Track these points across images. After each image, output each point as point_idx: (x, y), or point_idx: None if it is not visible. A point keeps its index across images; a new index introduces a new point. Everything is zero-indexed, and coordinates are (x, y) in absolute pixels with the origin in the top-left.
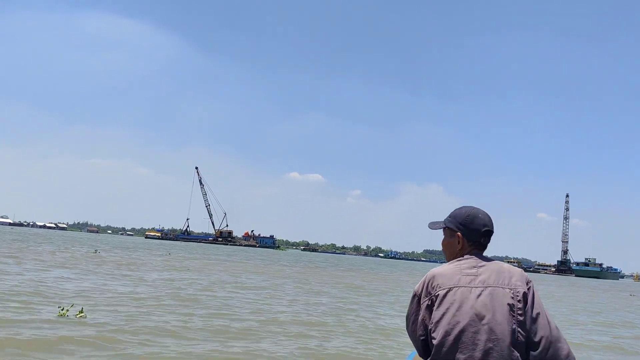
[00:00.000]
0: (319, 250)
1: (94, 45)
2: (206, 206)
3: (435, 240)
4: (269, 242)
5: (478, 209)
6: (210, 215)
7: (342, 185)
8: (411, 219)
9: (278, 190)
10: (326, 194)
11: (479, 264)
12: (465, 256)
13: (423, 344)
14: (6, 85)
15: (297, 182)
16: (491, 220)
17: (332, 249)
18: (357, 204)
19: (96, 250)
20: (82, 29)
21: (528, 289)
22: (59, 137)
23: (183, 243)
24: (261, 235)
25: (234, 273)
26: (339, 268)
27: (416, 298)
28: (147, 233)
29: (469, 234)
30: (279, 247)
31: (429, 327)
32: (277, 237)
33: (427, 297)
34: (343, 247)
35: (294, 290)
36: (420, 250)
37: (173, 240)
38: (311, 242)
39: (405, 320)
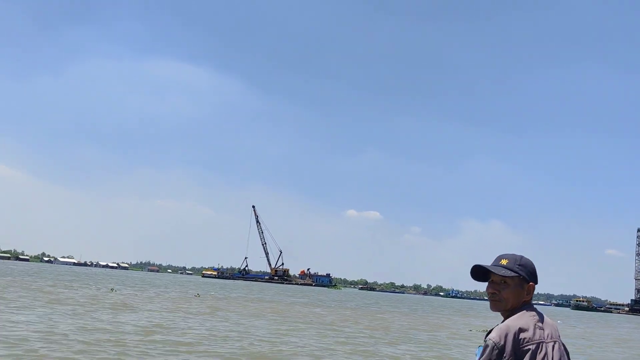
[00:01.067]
0: (377, 289)
1: (159, 90)
2: (262, 244)
3: None
4: (325, 281)
5: None
6: (267, 254)
7: (400, 222)
8: (473, 256)
9: (335, 228)
10: (384, 232)
11: (541, 317)
12: (527, 308)
13: None
14: (79, 129)
15: (355, 219)
16: None
17: (391, 288)
18: (417, 241)
19: (112, 289)
20: (148, 75)
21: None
22: (125, 178)
23: (237, 282)
24: (317, 274)
25: (247, 314)
26: (384, 308)
27: (496, 350)
28: (203, 272)
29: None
30: (335, 285)
31: None
32: (335, 275)
33: (513, 351)
34: (402, 286)
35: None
36: (483, 289)
37: (229, 279)
38: (370, 280)
39: None
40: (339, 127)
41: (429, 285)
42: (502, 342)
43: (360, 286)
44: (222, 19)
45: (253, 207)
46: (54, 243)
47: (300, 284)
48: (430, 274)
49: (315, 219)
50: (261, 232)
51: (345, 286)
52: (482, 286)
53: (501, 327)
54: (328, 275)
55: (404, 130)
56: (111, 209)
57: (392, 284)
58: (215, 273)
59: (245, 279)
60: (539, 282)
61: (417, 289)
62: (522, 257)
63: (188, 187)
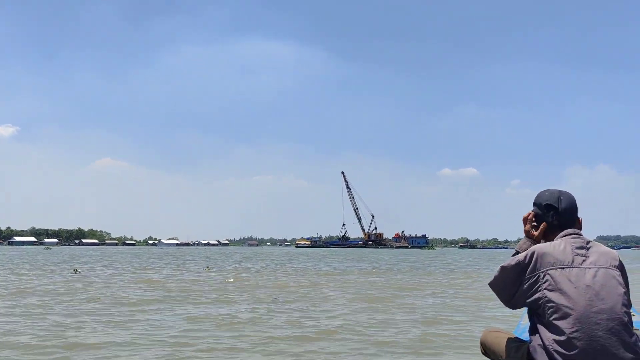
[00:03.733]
0: (479, 246)
1: (247, 70)
2: (354, 210)
3: (608, 226)
4: (421, 242)
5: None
6: (359, 219)
7: (499, 176)
8: (581, 204)
9: (430, 188)
10: (482, 188)
11: (587, 244)
12: (570, 234)
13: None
14: (175, 116)
15: (450, 178)
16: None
17: (494, 244)
18: (518, 194)
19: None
20: (235, 57)
21: (624, 270)
22: (222, 159)
23: (325, 250)
24: (412, 236)
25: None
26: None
27: (519, 267)
28: (297, 242)
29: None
30: (431, 246)
31: (542, 304)
32: (433, 236)
33: (536, 271)
34: (506, 241)
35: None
36: (593, 237)
37: (322, 247)
38: (471, 238)
39: (494, 286)
40: (429, 85)
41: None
42: (526, 261)
43: (460, 245)
44: None
45: (342, 173)
46: (159, 227)
47: (395, 247)
48: None
49: (409, 181)
50: (352, 198)
51: (445, 246)
52: (591, 234)
53: (531, 248)
54: (424, 236)
55: (499, 79)
56: (212, 190)
57: (495, 240)
58: (309, 242)
59: (340, 246)
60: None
61: None
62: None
63: (283, 162)
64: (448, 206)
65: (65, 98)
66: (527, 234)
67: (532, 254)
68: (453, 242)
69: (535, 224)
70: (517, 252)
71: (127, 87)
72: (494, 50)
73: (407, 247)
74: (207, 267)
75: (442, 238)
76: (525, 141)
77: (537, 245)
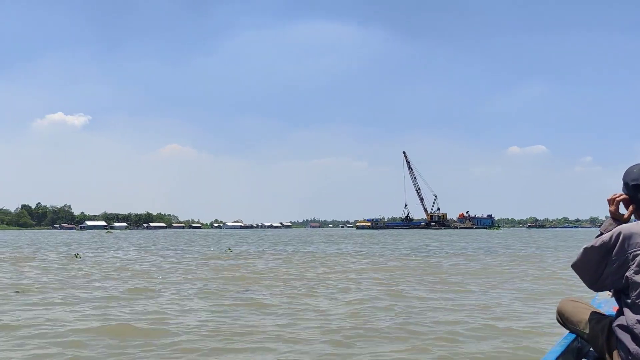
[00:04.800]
0: (548, 225)
1: (307, 52)
2: (416, 190)
3: None
4: (487, 222)
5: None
6: (421, 199)
7: (569, 153)
8: None
9: (497, 167)
10: (551, 166)
11: None
12: None
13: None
14: (238, 101)
15: (518, 156)
16: None
17: (564, 223)
18: (589, 172)
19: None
20: (295, 39)
21: None
22: (285, 142)
23: (388, 231)
24: (477, 216)
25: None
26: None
27: (604, 248)
28: (357, 224)
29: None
30: (497, 226)
31: (628, 286)
32: (500, 216)
33: (621, 253)
34: (577, 220)
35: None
36: None
37: (383, 228)
38: (540, 217)
39: (578, 268)
40: (493, 61)
41: (607, 217)
42: (611, 242)
43: (528, 224)
44: None
45: (404, 153)
46: (225, 210)
47: (460, 228)
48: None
49: (475, 161)
50: (414, 178)
51: (514, 226)
52: None
53: (617, 228)
54: (489, 216)
55: (567, 52)
56: (275, 173)
57: (565, 219)
58: (369, 224)
59: (402, 227)
60: None
61: (593, 222)
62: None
63: (345, 143)
64: (516, 185)
65: (132, 86)
66: (613, 214)
67: (618, 234)
68: (521, 222)
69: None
70: (601, 234)
71: (190, 74)
72: (560, 22)
73: (471, 228)
74: (229, 248)
75: (510, 218)
76: (596, 116)
77: (623, 225)
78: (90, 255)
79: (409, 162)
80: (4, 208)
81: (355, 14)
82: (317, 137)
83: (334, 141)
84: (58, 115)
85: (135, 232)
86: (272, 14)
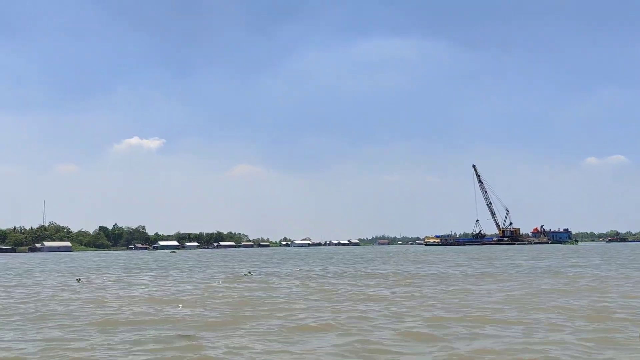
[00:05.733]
0: (630, 239)
1: (370, 69)
2: (487, 205)
3: None
4: (564, 237)
5: None
6: (493, 214)
7: None
8: None
9: (573, 179)
10: (633, 176)
11: None
12: None
13: None
14: (302, 120)
15: (595, 167)
16: None
17: None
18: None
19: (78, 279)
20: (358, 57)
21: None
22: (351, 159)
23: (458, 247)
24: (553, 230)
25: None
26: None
27: None
28: (426, 240)
29: None
30: (574, 240)
31: None
32: (578, 230)
33: None
34: None
35: None
36: None
37: (452, 245)
38: (622, 231)
39: None
40: (563, 69)
41: None
42: None
43: (609, 238)
44: None
45: (473, 166)
46: (294, 228)
47: (534, 243)
48: None
49: (549, 173)
50: (484, 192)
51: (592, 240)
52: None
53: None
54: (566, 230)
55: None
56: (342, 190)
57: None
58: (438, 240)
59: (472, 244)
60: None
61: None
62: None
63: (411, 159)
64: (594, 197)
65: (203, 109)
66: None
67: None
68: (600, 236)
69: None
70: None
71: (257, 95)
72: (634, 25)
73: (547, 243)
74: (249, 272)
75: (589, 232)
76: None
77: None
78: (98, 280)
79: (479, 176)
80: (82, 230)
81: (418, 29)
82: (384, 153)
83: (402, 157)
84: (134, 140)
85: (201, 252)
86: (335, 32)
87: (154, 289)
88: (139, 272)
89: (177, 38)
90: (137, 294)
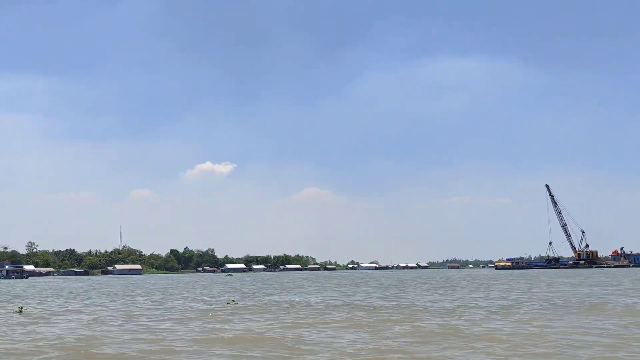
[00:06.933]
0: None
1: (438, 90)
2: (562, 226)
3: None
4: None
5: None
6: (568, 236)
7: None
8: None
9: None
10: None
11: None
12: None
13: None
14: (368, 143)
15: None
16: None
17: None
18: None
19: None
20: (424, 78)
21: None
22: (418, 182)
23: (530, 271)
24: (634, 253)
25: None
26: None
27: None
28: (496, 263)
29: None
30: None
31: None
32: None
33: None
34: None
35: None
36: None
37: (524, 268)
38: None
39: None
40: (636, 84)
41: None
42: None
43: None
44: (484, 6)
45: (547, 186)
46: (362, 251)
47: (614, 266)
48: None
49: (627, 192)
50: (559, 213)
51: None
52: None
53: None
54: None
55: None
56: (411, 213)
57: None
58: (510, 264)
59: (545, 267)
60: None
61: None
62: None
63: (481, 180)
64: None
65: (271, 133)
66: None
67: None
68: None
69: None
70: None
71: (323, 119)
72: None
73: (628, 266)
74: (233, 300)
75: None
76: None
77: None
78: (55, 308)
79: (552, 196)
80: (154, 253)
81: (487, 48)
82: (453, 175)
83: (471, 178)
84: (207, 165)
85: (264, 274)
86: (401, 54)
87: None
88: (132, 297)
89: (243, 67)
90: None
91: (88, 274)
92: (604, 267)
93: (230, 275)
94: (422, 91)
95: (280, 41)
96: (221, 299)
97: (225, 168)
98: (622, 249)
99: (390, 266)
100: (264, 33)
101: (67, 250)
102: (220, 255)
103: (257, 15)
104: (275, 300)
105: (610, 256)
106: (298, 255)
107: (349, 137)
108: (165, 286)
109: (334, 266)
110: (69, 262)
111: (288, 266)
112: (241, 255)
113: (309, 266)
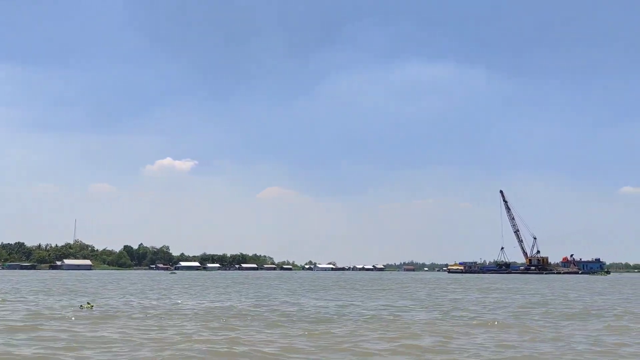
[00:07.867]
0: None
1: (406, 93)
2: (515, 232)
3: None
4: (595, 267)
5: None
6: (520, 241)
7: None
8: None
9: (607, 208)
10: None
11: None
12: None
13: None
14: (337, 143)
15: (631, 196)
16: None
17: None
18: None
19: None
20: (395, 81)
21: None
22: (384, 183)
23: (481, 275)
24: (584, 260)
25: None
26: None
27: None
28: (449, 267)
29: None
30: (606, 271)
31: None
32: (612, 260)
33: None
34: None
35: None
36: None
37: (476, 272)
38: None
39: None
40: (600, 96)
41: None
42: None
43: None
44: (455, 13)
45: (501, 192)
46: (321, 252)
47: (563, 273)
48: None
49: (582, 201)
50: (512, 219)
51: (628, 270)
52: None
53: None
54: (597, 260)
55: None
56: (373, 215)
57: None
58: (462, 268)
59: (497, 272)
60: None
61: None
62: None
63: (444, 185)
64: (630, 227)
65: (236, 131)
66: None
67: None
68: (636, 267)
69: None
70: None
71: (291, 118)
72: None
73: (577, 273)
74: (88, 303)
75: (624, 263)
76: None
77: None
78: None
79: (506, 202)
80: (107, 249)
81: (455, 55)
82: (419, 178)
83: (436, 182)
84: (167, 161)
85: (216, 273)
86: (372, 56)
87: None
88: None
89: (215, 63)
90: None
91: (35, 268)
92: (553, 273)
93: (174, 273)
94: (392, 94)
95: (255, 39)
96: (82, 300)
97: (185, 164)
98: (572, 255)
99: (347, 267)
100: (239, 30)
101: (16, 243)
102: (176, 252)
103: (233, 13)
104: (148, 305)
105: (560, 263)
106: (255, 255)
107: (318, 137)
108: (57, 282)
109: (290, 266)
110: (17, 256)
111: (244, 265)
112: (198, 253)
113: (265, 266)
